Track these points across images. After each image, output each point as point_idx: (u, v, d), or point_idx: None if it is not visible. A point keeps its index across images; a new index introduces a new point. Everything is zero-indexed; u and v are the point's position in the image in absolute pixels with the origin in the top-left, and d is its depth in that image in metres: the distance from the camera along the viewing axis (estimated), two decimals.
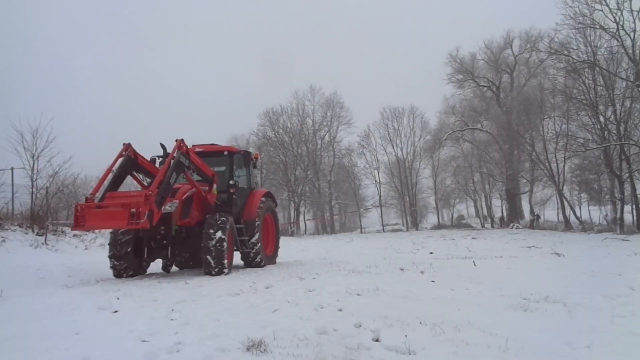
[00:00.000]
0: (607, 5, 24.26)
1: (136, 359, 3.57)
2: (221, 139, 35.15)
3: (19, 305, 6.05)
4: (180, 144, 8.96)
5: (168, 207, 8.64)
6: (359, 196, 47.83)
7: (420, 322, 4.63)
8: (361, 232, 43.54)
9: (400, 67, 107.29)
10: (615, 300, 5.98)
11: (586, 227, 28.64)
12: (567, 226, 31.00)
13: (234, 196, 10.52)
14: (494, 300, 6.07)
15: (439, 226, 44.48)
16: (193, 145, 10.28)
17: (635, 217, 25.67)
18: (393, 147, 46.44)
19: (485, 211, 48.10)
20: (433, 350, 3.81)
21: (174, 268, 10.57)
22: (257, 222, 10.79)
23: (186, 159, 9.06)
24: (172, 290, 7.01)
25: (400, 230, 43.12)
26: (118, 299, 6.31)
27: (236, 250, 10.43)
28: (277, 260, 12.37)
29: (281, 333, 4.11)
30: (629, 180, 26.25)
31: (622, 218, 25.37)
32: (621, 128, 25.59)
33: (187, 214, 9.41)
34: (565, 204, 32.76)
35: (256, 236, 10.68)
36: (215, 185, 10.15)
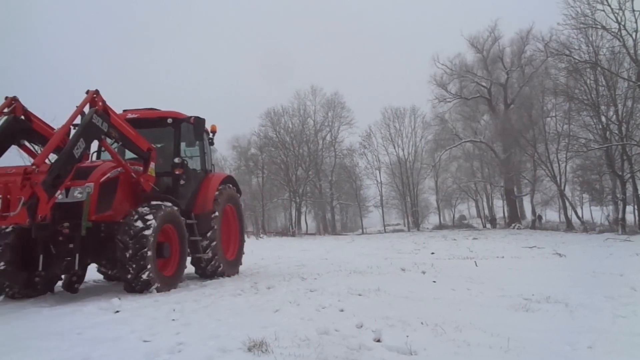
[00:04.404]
0: (609, 5, 24.29)
1: (137, 359, 3.57)
2: (221, 139, 34.71)
3: (19, 305, 6.06)
4: (92, 96, 6.21)
5: (77, 194, 6.14)
6: (360, 196, 47.83)
7: (422, 323, 4.62)
8: (362, 232, 43.56)
9: (401, 67, 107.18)
10: (617, 301, 5.97)
11: (588, 227, 28.62)
12: (569, 226, 30.99)
13: (181, 180, 7.96)
14: (496, 301, 6.06)
15: (440, 226, 44.54)
16: (124, 111, 7.98)
17: (637, 218, 25.68)
18: (394, 148, 46.65)
19: (486, 211, 48.09)
20: (434, 350, 3.80)
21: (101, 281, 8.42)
22: (213, 215, 8.30)
23: (103, 121, 6.24)
24: (173, 291, 7.01)
25: (401, 230, 43.19)
26: (119, 299, 6.30)
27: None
28: (278, 260, 11.92)
29: (282, 333, 4.11)
30: (630, 180, 26.23)
31: (624, 218, 25.38)
32: (623, 128, 25.58)
33: (107, 205, 6.60)
34: (567, 204, 32.72)
35: (212, 234, 8.22)
36: (152, 164, 7.37)
